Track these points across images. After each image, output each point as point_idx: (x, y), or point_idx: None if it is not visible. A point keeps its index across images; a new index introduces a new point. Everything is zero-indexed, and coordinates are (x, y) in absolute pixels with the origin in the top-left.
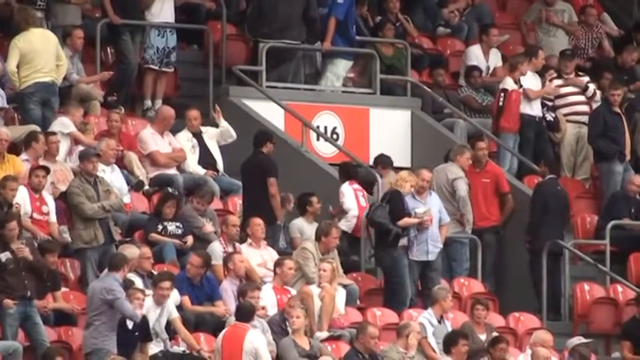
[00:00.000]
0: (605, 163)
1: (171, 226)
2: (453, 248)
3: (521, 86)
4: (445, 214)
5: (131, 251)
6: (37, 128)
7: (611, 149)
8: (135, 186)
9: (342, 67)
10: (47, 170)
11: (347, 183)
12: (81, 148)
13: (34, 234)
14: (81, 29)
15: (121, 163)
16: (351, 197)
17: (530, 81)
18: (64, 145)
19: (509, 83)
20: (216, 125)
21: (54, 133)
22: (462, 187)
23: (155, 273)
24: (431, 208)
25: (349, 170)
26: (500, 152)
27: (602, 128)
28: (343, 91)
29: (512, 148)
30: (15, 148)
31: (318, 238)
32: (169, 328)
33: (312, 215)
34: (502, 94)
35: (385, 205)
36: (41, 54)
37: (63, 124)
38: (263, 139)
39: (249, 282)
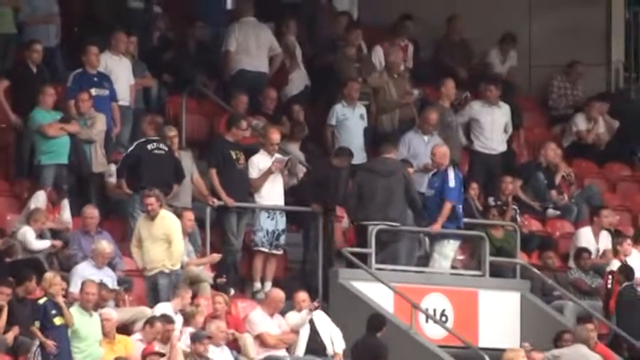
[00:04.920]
0: None
1: None
2: None
3: None
4: None
5: None
6: (149, 311)
7: None
8: None
9: (449, 248)
10: (162, 355)
11: None
12: (190, 329)
13: None
14: (192, 211)
15: (233, 344)
16: None
17: (637, 261)
18: None
19: (616, 265)
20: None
21: (172, 322)
22: None
23: None
24: None
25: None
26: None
27: None
28: (452, 274)
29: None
30: (125, 329)
31: None
32: None
33: None
34: (610, 277)
35: None
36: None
37: (165, 310)
38: (379, 323)
39: None
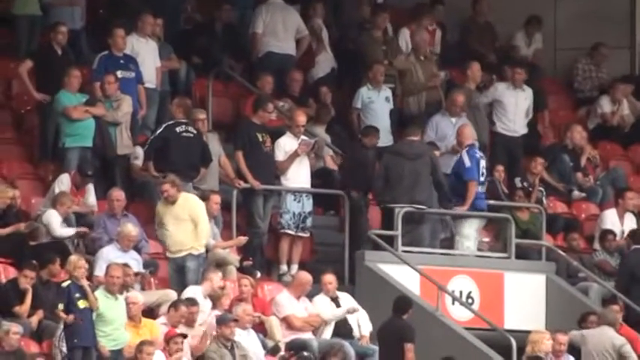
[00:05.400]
0: None
1: None
2: None
3: None
4: None
5: None
6: (174, 294)
7: None
8: (271, 350)
9: (468, 227)
10: (185, 337)
11: None
12: (216, 312)
13: None
14: (218, 194)
15: (259, 327)
16: None
17: None
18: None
19: None
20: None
21: (196, 304)
22: (633, 354)
23: None
24: None
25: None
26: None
27: None
28: (478, 256)
29: None
30: (151, 312)
31: None
32: None
33: None
34: None
35: None
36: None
37: (195, 293)
38: (405, 306)
39: None
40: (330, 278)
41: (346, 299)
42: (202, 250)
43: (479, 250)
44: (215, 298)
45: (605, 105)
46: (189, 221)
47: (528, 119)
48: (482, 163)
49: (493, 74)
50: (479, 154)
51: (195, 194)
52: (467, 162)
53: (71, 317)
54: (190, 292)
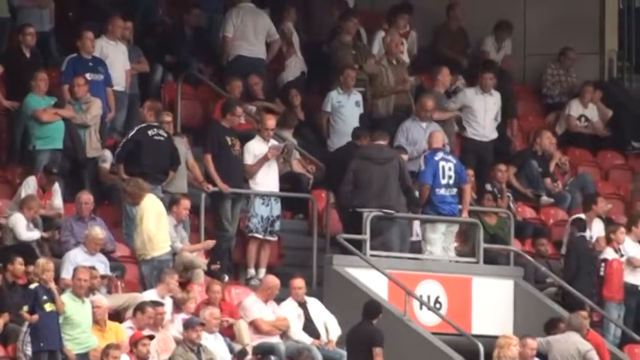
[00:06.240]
0: None
1: None
2: None
3: (622, 255)
4: None
5: None
6: (140, 297)
7: None
8: (238, 354)
9: (430, 233)
10: (152, 338)
11: None
12: (183, 315)
13: None
14: (188, 199)
15: (227, 330)
16: None
17: (633, 250)
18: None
19: (609, 253)
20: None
21: (162, 305)
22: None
23: None
24: None
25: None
26: (604, 322)
27: None
28: (446, 260)
29: (616, 317)
30: (118, 316)
31: None
32: None
33: None
34: (602, 264)
35: None
36: (165, 220)
37: (150, 297)
38: (375, 310)
39: None
40: (299, 283)
41: (314, 304)
42: (155, 254)
43: (444, 249)
44: (181, 302)
45: (574, 109)
46: (140, 225)
47: (497, 123)
48: (449, 166)
49: (460, 77)
50: (446, 158)
51: (162, 197)
52: (422, 166)
53: (35, 317)
54: (146, 296)
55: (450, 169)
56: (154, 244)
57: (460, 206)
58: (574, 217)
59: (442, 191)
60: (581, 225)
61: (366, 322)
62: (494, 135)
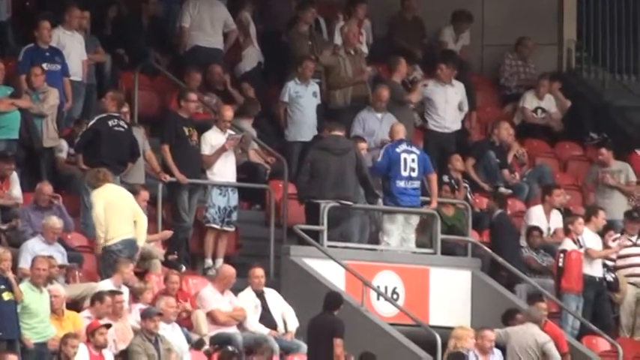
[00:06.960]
0: None
1: None
2: None
3: (581, 246)
4: None
5: None
6: (98, 286)
7: None
8: (195, 344)
9: (391, 222)
10: (109, 327)
11: None
12: (140, 305)
13: None
14: (147, 191)
15: (185, 321)
16: None
17: (591, 241)
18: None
19: (568, 244)
20: (277, 287)
21: (120, 293)
22: (555, 352)
23: None
24: None
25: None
26: (562, 313)
27: None
28: (404, 251)
29: (575, 308)
30: (75, 305)
31: None
32: None
33: None
34: (561, 255)
35: None
36: (123, 209)
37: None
38: (337, 302)
39: None
40: (259, 272)
41: (271, 294)
42: (108, 243)
43: (403, 241)
44: (138, 292)
45: (530, 100)
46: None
47: (464, 113)
48: (412, 158)
49: (416, 67)
50: (408, 149)
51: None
52: (379, 157)
53: None
54: (101, 285)
55: (413, 160)
56: (106, 232)
57: (424, 198)
58: (494, 191)
59: (402, 183)
60: (502, 201)
61: (326, 312)
62: (457, 126)
